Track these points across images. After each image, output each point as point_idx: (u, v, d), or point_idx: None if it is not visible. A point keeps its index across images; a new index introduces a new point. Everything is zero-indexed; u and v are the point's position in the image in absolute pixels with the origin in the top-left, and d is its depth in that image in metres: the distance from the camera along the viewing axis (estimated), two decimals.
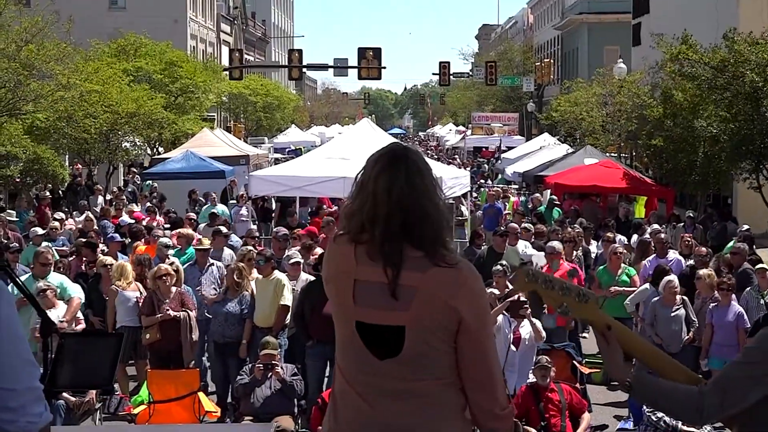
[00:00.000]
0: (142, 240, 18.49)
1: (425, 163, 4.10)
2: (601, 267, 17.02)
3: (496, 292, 13.86)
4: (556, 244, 16.44)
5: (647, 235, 19.03)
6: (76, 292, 14.03)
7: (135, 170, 40.62)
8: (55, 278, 14.02)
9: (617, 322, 4.46)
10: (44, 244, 17.29)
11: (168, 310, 13.39)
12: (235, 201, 28.84)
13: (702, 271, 14.94)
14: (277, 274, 14.00)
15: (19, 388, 3.46)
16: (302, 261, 14.88)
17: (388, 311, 3.93)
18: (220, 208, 26.24)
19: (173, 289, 13.74)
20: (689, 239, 18.68)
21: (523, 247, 17.98)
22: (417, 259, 3.92)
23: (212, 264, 15.69)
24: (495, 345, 4.16)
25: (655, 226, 20.90)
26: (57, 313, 13.04)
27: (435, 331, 3.92)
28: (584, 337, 17.41)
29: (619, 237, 20.69)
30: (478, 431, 4.23)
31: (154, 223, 22.17)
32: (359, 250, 4.01)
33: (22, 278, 14.07)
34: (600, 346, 4.32)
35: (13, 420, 3.46)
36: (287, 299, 13.64)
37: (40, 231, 19.71)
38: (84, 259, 16.37)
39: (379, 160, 4.08)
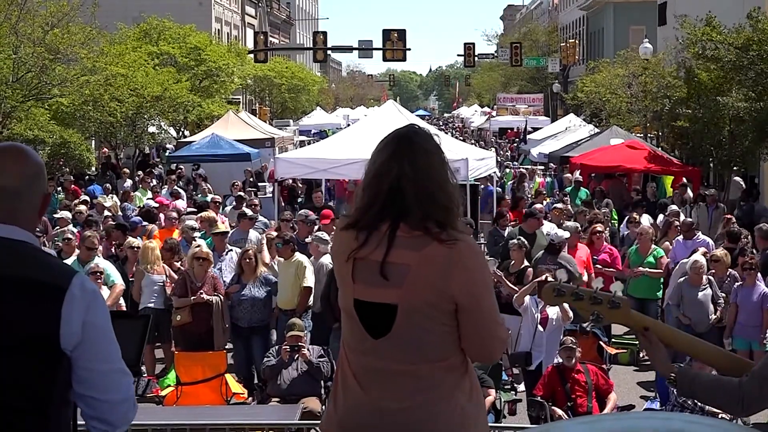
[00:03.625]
0: (157, 223, 18.53)
1: (433, 144, 4.12)
2: (633, 248, 16.89)
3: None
4: (571, 224, 16.50)
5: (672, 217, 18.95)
6: (119, 279, 14.05)
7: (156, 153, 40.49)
8: (101, 263, 14.01)
9: (654, 320, 4.50)
10: (70, 228, 17.37)
11: (202, 293, 13.44)
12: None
13: (718, 252, 14.96)
14: (298, 256, 13.99)
15: (116, 399, 3.51)
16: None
17: (382, 289, 3.95)
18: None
19: (207, 272, 13.78)
20: (733, 221, 18.68)
21: (549, 228, 17.90)
22: (414, 237, 3.94)
23: (231, 250, 15.63)
24: (497, 317, 4.13)
25: (673, 207, 20.75)
26: None
27: (427, 311, 3.92)
28: None
29: (645, 216, 20.61)
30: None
31: (180, 206, 22.25)
32: (361, 231, 4.04)
33: (68, 262, 14.05)
34: (643, 346, 4.36)
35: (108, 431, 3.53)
36: (309, 281, 13.65)
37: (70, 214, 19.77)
38: (114, 241, 16.41)
39: (384, 143, 4.14)
